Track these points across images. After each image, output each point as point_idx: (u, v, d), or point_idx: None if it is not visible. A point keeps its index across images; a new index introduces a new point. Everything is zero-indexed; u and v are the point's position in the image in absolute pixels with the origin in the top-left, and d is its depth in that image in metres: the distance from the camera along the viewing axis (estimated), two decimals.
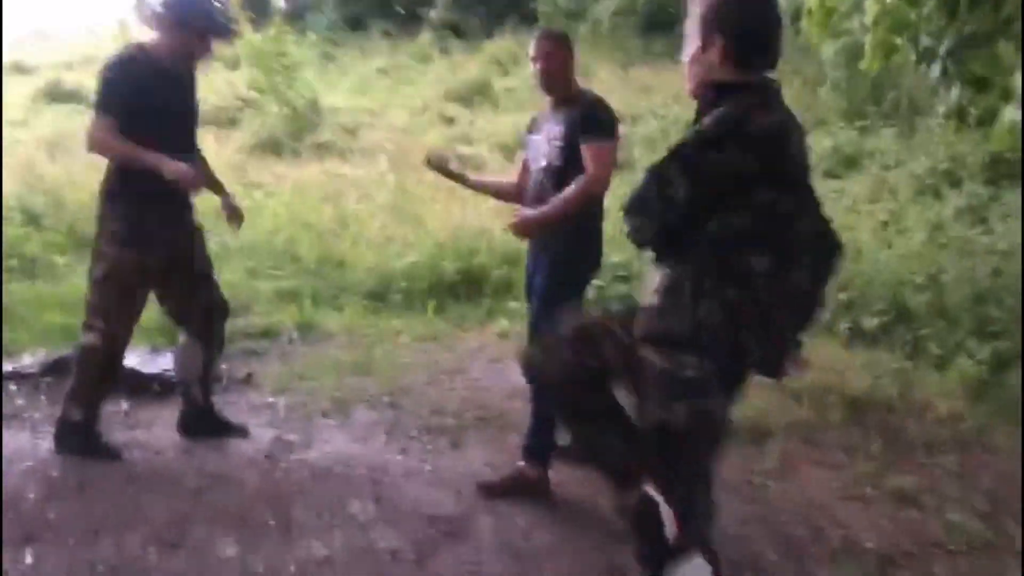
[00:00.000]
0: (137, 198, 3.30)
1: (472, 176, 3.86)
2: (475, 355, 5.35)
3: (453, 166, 3.59)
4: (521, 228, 3.28)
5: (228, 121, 11.71)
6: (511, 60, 13.37)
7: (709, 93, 2.06)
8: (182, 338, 3.67)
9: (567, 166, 3.19)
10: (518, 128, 10.42)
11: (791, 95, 9.86)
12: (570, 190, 3.14)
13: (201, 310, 3.60)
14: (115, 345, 3.45)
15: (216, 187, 3.75)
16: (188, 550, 2.72)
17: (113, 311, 3.39)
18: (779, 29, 2.10)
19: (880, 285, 5.73)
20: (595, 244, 3.39)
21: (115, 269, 3.34)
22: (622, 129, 10.35)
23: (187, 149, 3.42)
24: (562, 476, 3.48)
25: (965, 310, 5.28)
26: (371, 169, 9.77)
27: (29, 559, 2.60)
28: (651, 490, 2.05)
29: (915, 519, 3.34)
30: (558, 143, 3.23)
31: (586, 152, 3.14)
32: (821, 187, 7.77)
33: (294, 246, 6.97)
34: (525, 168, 3.52)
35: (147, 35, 3.45)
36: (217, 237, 7.07)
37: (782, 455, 3.84)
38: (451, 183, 3.73)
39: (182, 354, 3.69)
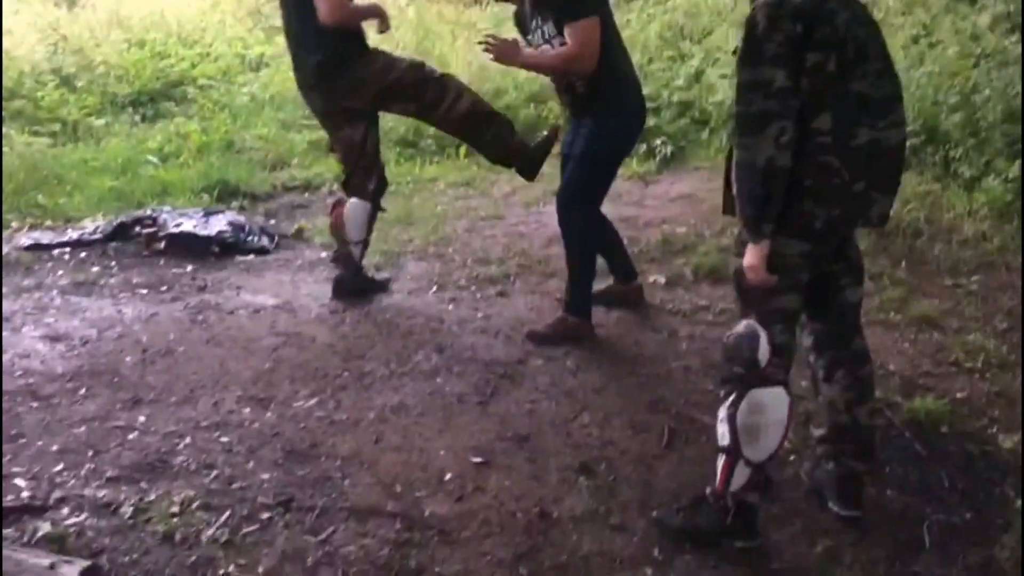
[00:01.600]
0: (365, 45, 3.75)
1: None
2: (510, 200, 5.52)
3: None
4: (500, 51, 3.34)
5: None
6: None
7: None
8: (353, 200, 3.88)
9: None
10: None
11: None
12: (552, 54, 3.29)
13: (377, 171, 3.92)
14: None
15: None
16: (276, 404, 3.03)
17: (446, 83, 3.84)
18: None
19: (911, 106, 5.72)
20: (637, 119, 3.56)
21: (414, 71, 3.78)
22: None
23: None
24: (603, 318, 3.74)
25: (996, 128, 5.29)
26: (386, 1, 9.58)
27: (142, 418, 2.92)
28: (754, 320, 2.30)
29: (937, 341, 3.57)
30: (560, 42, 3.28)
31: (572, 32, 3.21)
32: None
33: None
34: None
35: None
36: (246, 89, 7.17)
37: None
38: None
39: (357, 215, 3.88)
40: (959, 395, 3.16)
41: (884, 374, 3.31)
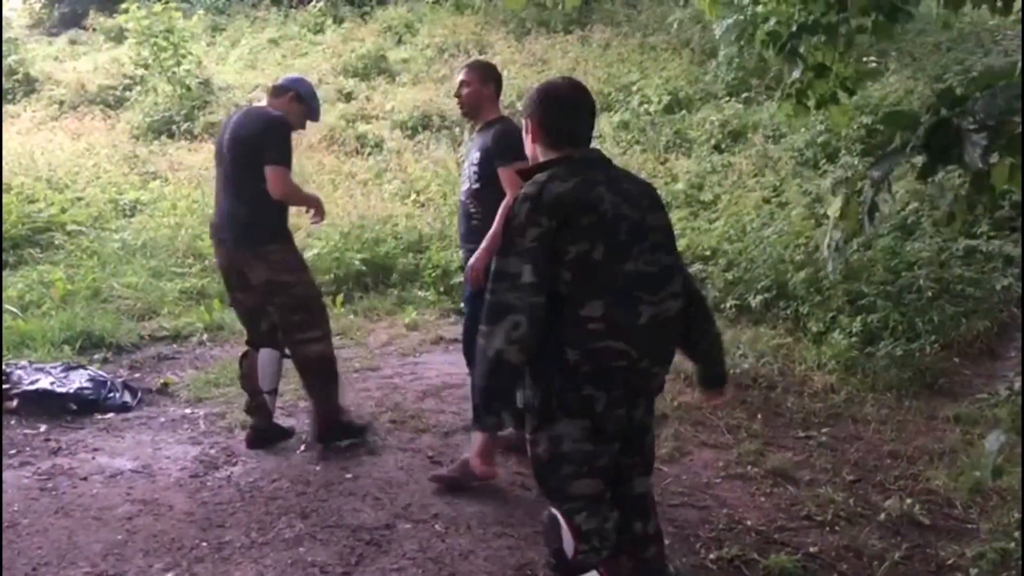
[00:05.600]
0: (288, 233, 3.91)
1: None
2: (385, 350, 5.55)
3: None
4: (475, 276, 3.50)
5: (115, 101, 11.41)
6: (406, 29, 13.31)
7: (525, 175, 2.36)
8: (264, 350, 3.97)
9: (484, 187, 3.58)
10: (416, 104, 10.53)
11: (680, 68, 10.14)
12: (497, 222, 3.40)
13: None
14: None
15: None
16: None
17: (322, 318, 3.95)
18: (581, 114, 2.39)
19: (763, 263, 6.15)
20: None
21: (308, 288, 3.91)
22: (518, 105, 10.50)
23: None
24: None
25: (838, 285, 5.72)
26: None
27: None
28: (555, 509, 2.32)
29: (791, 494, 3.73)
30: (475, 167, 3.61)
31: (501, 177, 3.49)
32: (712, 161, 8.20)
33: (197, 242, 6.95)
34: None
35: None
36: (118, 235, 7.06)
37: (674, 439, 4.19)
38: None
39: (268, 365, 4.00)
40: (811, 549, 3.29)
41: (741, 529, 3.43)
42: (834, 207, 2.27)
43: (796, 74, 4.53)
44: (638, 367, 2.25)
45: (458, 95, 3.72)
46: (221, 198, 3.89)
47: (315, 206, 3.96)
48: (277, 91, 3.92)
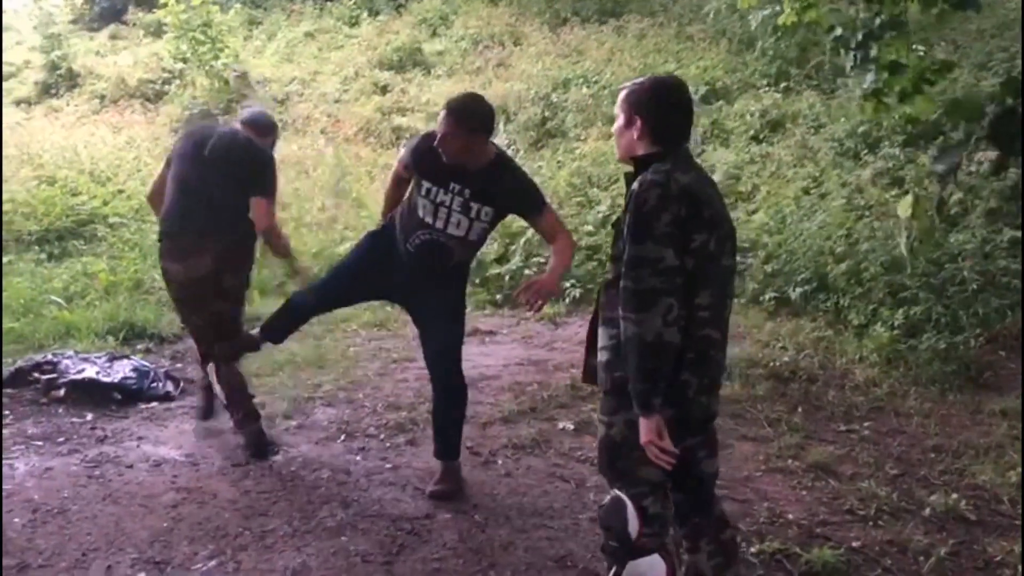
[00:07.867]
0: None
1: None
2: None
3: None
4: (545, 294, 3.27)
5: (155, 95, 11.54)
6: (440, 21, 13.32)
7: (636, 163, 2.39)
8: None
9: (480, 239, 3.41)
10: (451, 95, 10.51)
11: (718, 57, 9.98)
12: (560, 259, 3.31)
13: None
14: None
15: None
16: (173, 568, 2.93)
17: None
18: (689, 114, 2.45)
19: (803, 255, 6.08)
20: None
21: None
22: (553, 97, 10.35)
23: None
24: (512, 467, 3.76)
25: (879, 277, 5.64)
26: (304, 143, 9.77)
27: None
28: (621, 492, 2.35)
29: (832, 488, 3.69)
30: (471, 216, 3.28)
31: (543, 226, 3.39)
32: (750, 151, 8.09)
33: None
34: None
35: None
36: (147, 222, 7.15)
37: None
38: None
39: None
40: (854, 544, 3.25)
41: (783, 523, 3.40)
42: (903, 206, 2.24)
43: (870, 77, 4.48)
44: (719, 356, 2.36)
45: (442, 146, 3.18)
46: (209, 207, 3.74)
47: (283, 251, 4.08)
48: (263, 130, 4.02)
